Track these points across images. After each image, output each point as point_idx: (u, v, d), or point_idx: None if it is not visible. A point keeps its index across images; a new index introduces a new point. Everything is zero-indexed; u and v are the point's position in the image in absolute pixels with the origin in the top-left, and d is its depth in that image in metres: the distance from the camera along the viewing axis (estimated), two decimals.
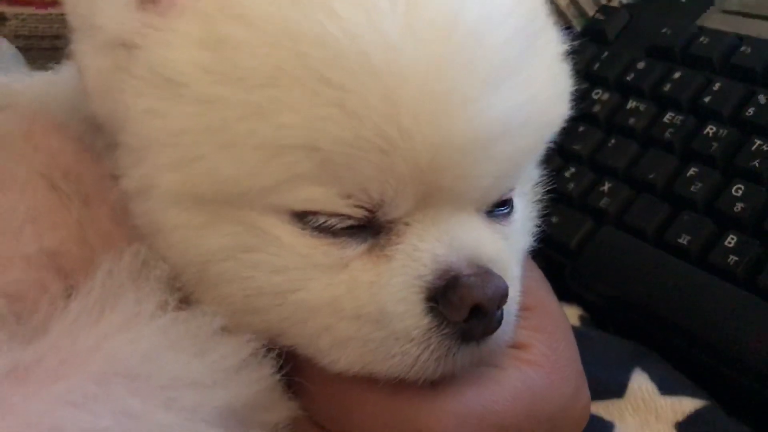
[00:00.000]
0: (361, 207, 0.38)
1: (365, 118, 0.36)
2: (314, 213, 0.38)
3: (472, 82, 0.37)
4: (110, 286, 0.36)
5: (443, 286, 0.39)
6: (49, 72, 0.49)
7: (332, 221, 0.38)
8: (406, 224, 0.40)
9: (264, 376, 0.38)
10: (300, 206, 0.38)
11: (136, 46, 0.38)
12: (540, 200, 0.52)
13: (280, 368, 0.40)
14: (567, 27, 0.97)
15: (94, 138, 0.41)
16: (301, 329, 0.40)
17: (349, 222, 0.38)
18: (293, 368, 0.41)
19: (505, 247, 0.44)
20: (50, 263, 0.37)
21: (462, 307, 0.39)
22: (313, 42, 0.35)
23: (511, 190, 0.45)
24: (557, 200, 0.76)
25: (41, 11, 0.97)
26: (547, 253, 0.74)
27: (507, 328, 0.42)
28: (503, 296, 0.40)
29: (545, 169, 0.53)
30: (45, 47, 0.95)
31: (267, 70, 0.36)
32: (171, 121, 0.37)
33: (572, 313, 0.72)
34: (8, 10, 0.98)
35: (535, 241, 0.51)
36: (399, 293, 0.39)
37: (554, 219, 0.75)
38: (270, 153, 0.36)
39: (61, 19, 0.98)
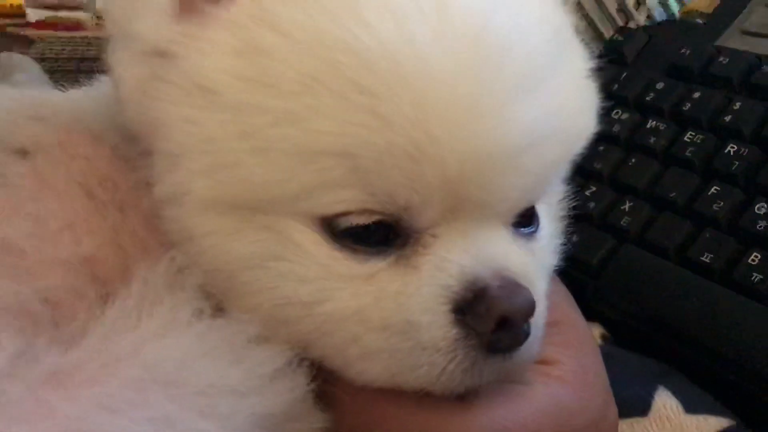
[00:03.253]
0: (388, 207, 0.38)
1: (396, 125, 0.36)
2: (343, 215, 0.38)
3: (501, 90, 0.38)
4: (146, 293, 0.36)
5: (471, 298, 0.39)
6: (82, 87, 0.50)
7: (360, 219, 0.38)
8: (433, 236, 0.40)
9: (298, 385, 0.38)
10: (329, 209, 0.38)
11: (172, 54, 0.39)
12: (564, 217, 0.53)
13: (312, 379, 0.40)
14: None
15: (128, 147, 0.42)
16: (329, 340, 0.40)
17: (378, 217, 0.38)
18: (322, 381, 0.41)
19: (532, 263, 0.44)
20: (86, 269, 0.38)
21: (489, 318, 0.39)
22: (344, 50, 0.36)
23: (536, 201, 0.45)
24: (578, 219, 0.76)
25: (66, 34, 0.99)
26: (569, 272, 0.74)
27: (534, 342, 0.42)
28: (531, 309, 0.40)
29: (568, 186, 0.53)
30: (70, 69, 0.97)
31: (299, 78, 0.36)
32: (204, 128, 0.38)
33: (594, 333, 0.71)
34: (35, 33, 1.00)
35: (560, 258, 0.51)
36: (426, 303, 0.39)
37: (575, 238, 0.75)
38: (302, 159, 0.37)
39: (87, 42, 1.00)
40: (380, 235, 0.39)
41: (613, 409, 0.48)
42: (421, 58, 0.36)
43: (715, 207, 0.69)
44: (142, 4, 0.39)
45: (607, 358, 0.66)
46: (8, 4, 1.02)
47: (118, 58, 0.41)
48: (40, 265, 0.37)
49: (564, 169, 0.47)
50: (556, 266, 0.50)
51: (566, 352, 0.46)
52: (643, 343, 0.68)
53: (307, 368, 0.39)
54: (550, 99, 0.40)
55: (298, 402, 0.38)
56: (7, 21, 1.02)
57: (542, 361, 0.45)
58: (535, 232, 0.46)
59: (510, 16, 0.39)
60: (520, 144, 0.39)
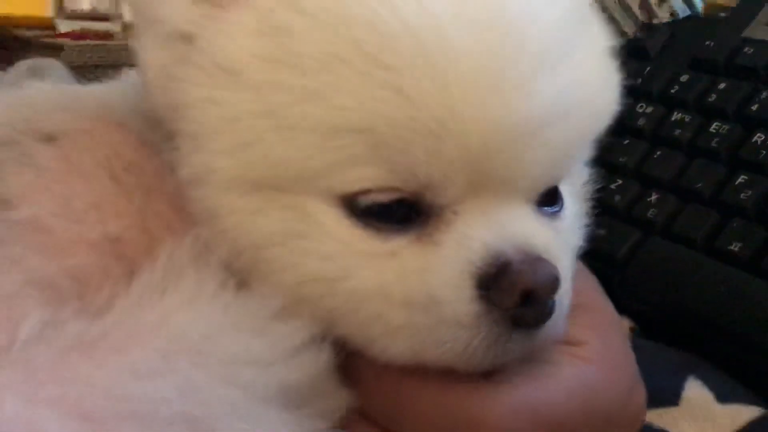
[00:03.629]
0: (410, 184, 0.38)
1: (418, 100, 0.36)
2: (364, 192, 0.38)
3: (523, 63, 0.38)
4: (172, 268, 0.37)
5: (494, 273, 0.39)
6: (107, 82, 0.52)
7: (382, 197, 0.38)
8: (455, 213, 0.40)
9: (322, 360, 0.38)
10: (350, 187, 0.38)
11: (194, 37, 0.39)
12: (588, 200, 0.52)
13: (337, 357, 0.40)
14: None
15: (153, 133, 0.42)
16: (352, 318, 0.40)
17: (399, 195, 0.38)
18: (347, 361, 0.41)
19: (556, 240, 0.44)
20: (113, 249, 0.38)
21: (513, 292, 0.38)
22: (365, 27, 0.36)
23: (559, 179, 0.45)
24: (604, 212, 0.76)
25: (94, 42, 1.01)
26: (595, 266, 0.73)
27: (559, 319, 0.42)
28: (555, 283, 0.40)
29: (592, 174, 0.53)
30: (97, 76, 0.99)
31: (321, 56, 0.37)
32: (227, 108, 0.38)
33: (622, 325, 0.71)
34: (63, 42, 1.02)
35: (584, 241, 0.51)
36: (449, 279, 0.39)
37: (601, 231, 0.75)
38: (324, 135, 0.37)
39: (114, 50, 1.01)
40: (402, 212, 0.39)
41: (641, 391, 0.47)
42: (442, 34, 0.36)
43: (742, 196, 0.68)
44: None
45: (636, 350, 0.65)
46: (37, 16, 1.04)
47: (143, 43, 0.42)
48: (67, 243, 0.38)
49: (588, 148, 0.47)
50: (581, 248, 0.50)
51: (592, 334, 0.46)
52: (673, 334, 0.68)
53: (331, 345, 0.39)
54: (573, 72, 0.40)
55: (323, 378, 0.38)
56: (37, 33, 1.04)
57: (569, 342, 0.45)
58: (559, 211, 0.46)
59: None
60: (543, 118, 0.39)
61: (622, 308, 0.71)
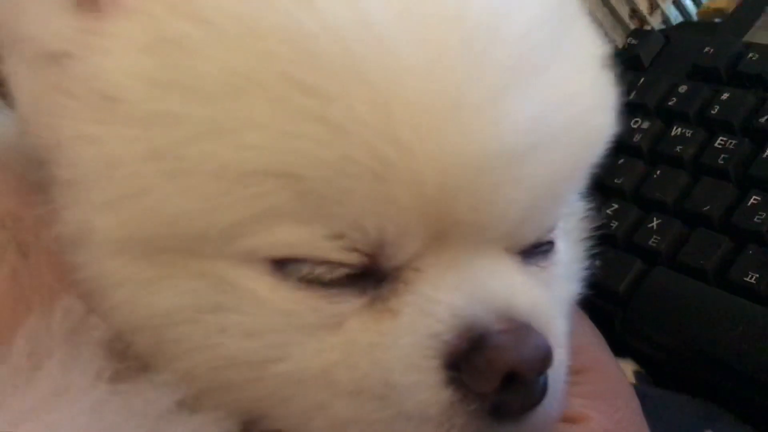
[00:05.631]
0: (357, 250, 0.31)
1: (352, 134, 0.29)
2: (297, 260, 0.31)
3: (488, 79, 0.30)
4: (33, 353, 0.29)
5: (466, 348, 0.31)
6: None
7: (321, 270, 0.31)
8: (416, 270, 0.32)
9: None
10: (278, 252, 0.30)
11: (70, 56, 0.31)
12: (586, 239, 0.44)
13: None
14: None
15: (39, 175, 0.34)
16: (287, 410, 0.32)
17: (343, 271, 0.31)
18: None
19: (546, 297, 0.36)
20: None
21: (492, 374, 0.31)
22: (283, 39, 0.29)
23: (552, 230, 0.37)
24: (601, 241, 0.68)
25: None
26: (593, 302, 0.66)
27: (554, 399, 0.34)
28: (546, 358, 0.32)
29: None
30: None
31: (225, 77, 0.29)
32: (108, 148, 0.30)
33: (626, 369, 0.64)
34: None
35: (583, 287, 0.43)
36: (408, 358, 0.31)
37: (598, 262, 0.67)
38: (231, 182, 0.29)
39: None
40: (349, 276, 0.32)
41: None
42: (382, 47, 0.29)
43: (756, 219, 0.61)
44: None
45: (643, 399, 0.58)
46: None
47: (12, 67, 0.34)
48: None
49: (580, 180, 0.38)
50: (579, 294, 0.42)
51: (596, 406, 0.39)
52: (683, 379, 0.61)
53: None
54: (554, 90, 0.32)
55: None
56: None
57: (568, 419, 0.38)
58: (548, 252, 0.38)
59: None
60: (517, 147, 0.31)
61: (625, 350, 0.64)
